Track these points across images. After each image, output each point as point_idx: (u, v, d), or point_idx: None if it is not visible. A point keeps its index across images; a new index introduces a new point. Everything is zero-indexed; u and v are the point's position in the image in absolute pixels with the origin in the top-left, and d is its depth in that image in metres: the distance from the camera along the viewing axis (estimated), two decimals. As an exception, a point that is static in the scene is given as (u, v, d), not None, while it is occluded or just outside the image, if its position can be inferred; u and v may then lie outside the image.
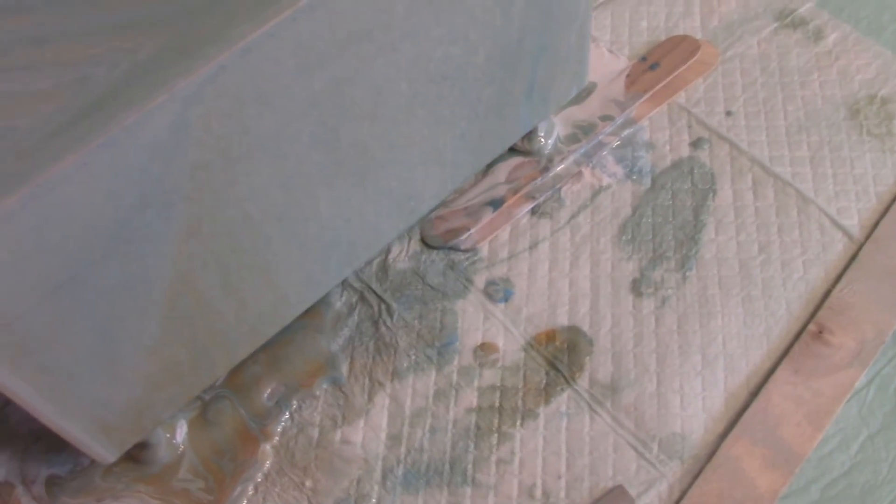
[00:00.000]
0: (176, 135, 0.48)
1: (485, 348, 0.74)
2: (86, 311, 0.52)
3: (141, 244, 0.51)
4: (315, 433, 0.71)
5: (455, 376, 0.73)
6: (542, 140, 0.82)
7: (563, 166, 0.82)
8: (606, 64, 0.88)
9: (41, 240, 0.46)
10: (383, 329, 0.75)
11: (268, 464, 0.69)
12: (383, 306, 0.76)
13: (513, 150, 0.82)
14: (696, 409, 0.70)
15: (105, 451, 0.61)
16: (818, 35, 0.90)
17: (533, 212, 0.80)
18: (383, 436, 0.70)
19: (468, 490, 0.68)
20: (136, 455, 0.68)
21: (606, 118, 0.84)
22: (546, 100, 0.74)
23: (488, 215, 0.79)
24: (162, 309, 0.56)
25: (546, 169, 0.82)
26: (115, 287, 0.52)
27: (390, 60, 0.57)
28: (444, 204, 0.80)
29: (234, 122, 0.51)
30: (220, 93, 0.48)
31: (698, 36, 0.90)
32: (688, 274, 0.76)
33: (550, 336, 0.74)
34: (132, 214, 0.49)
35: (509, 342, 0.74)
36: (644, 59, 0.88)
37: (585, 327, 0.74)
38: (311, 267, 0.65)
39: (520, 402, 0.71)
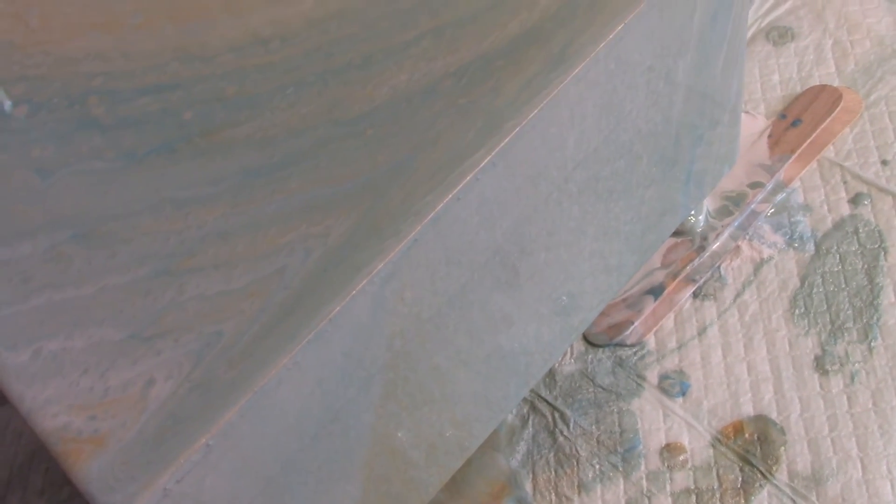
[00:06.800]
0: (374, 313, 0.47)
1: (671, 449, 0.71)
2: (295, 494, 0.51)
3: (344, 420, 0.50)
4: (510, 559, 0.69)
5: (645, 483, 0.70)
6: (693, 217, 0.79)
7: (719, 243, 0.79)
8: (745, 126, 0.84)
9: (257, 441, 0.45)
10: (561, 439, 0.73)
11: None
12: (557, 414, 0.74)
13: (664, 232, 0.79)
14: (911, 495, 0.66)
15: None
16: (966, 64, 0.85)
17: (695, 295, 0.77)
18: (581, 556, 0.68)
19: None
20: None
21: (756, 185, 0.81)
22: (702, 184, 0.71)
23: (650, 305, 0.77)
24: (362, 473, 0.55)
25: (702, 248, 0.78)
26: (321, 465, 0.51)
27: (563, 191, 0.55)
28: (601, 298, 0.78)
29: (425, 287, 0.49)
30: (412, 264, 0.47)
31: (836, 82, 0.86)
32: (873, 344, 0.72)
33: (738, 428, 0.71)
34: (336, 396, 0.48)
35: (695, 439, 0.71)
36: (784, 115, 0.84)
37: (773, 415, 0.71)
38: (492, 397, 0.64)
39: (718, 505, 0.68)
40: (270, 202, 0.48)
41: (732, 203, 0.80)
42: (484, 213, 0.49)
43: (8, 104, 0.55)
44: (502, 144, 0.47)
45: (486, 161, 0.47)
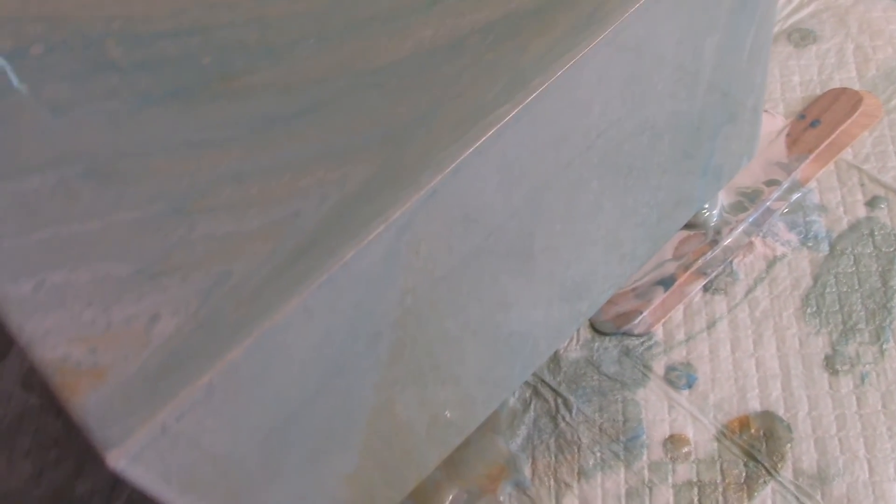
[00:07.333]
0: (388, 264, 0.46)
1: (674, 441, 0.70)
2: (294, 451, 0.50)
3: (349, 376, 0.49)
4: (505, 543, 0.67)
5: (646, 473, 0.68)
6: (708, 211, 0.78)
7: (732, 238, 0.78)
8: (764, 125, 0.83)
9: (260, 387, 0.44)
10: (563, 425, 0.72)
11: (460, 579, 0.66)
12: (560, 400, 0.73)
13: (677, 225, 0.78)
14: (918, 498, 0.64)
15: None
16: None
17: (706, 288, 0.76)
18: (578, 543, 0.66)
19: None
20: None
21: (772, 183, 0.80)
22: (719, 175, 0.70)
23: (660, 295, 0.76)
24: (362, 436, 0.54)
25: (715, 241, 0.77)
26: (322, 422, 0.50)
27: (584, 160, 0.54)
28: (610, 287, 0.77)
29: (440, 243, 0.48)
30: (429, 217, 0.46)
31: (856, 87, 0.85)
32: (885, 346, 0.71)
33: (744, 423, 0.69)
34: (344, 348, 0.47)
35: (700, 432, 0.69)
36: (803, 116, 0.84)
37: (780, 412, 0.69)
38: (497, 373, 0.62)
39: (720, 499, 0.66)
40: (287, 148, 0.47)
41: (748, 199, 0.79)
42: (504, 173, 0.48)
43: (15, 79, 0.54)
44: (527, 101, 0.46)
45: (509, 117, 0.46)
